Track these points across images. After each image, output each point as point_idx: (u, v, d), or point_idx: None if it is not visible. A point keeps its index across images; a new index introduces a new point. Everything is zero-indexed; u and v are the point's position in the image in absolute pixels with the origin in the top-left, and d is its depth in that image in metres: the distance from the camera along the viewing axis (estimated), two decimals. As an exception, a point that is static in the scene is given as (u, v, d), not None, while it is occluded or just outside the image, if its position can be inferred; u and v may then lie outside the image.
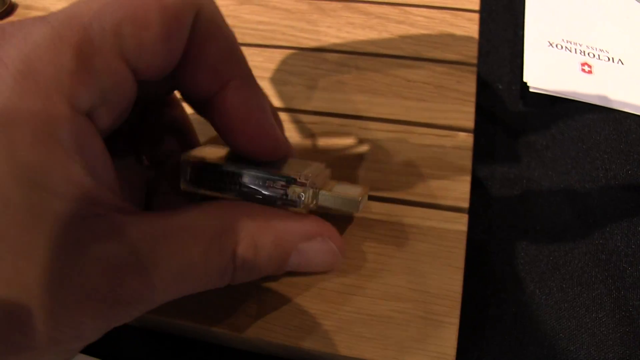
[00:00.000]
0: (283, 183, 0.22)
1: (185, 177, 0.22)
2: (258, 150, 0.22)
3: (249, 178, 0.22)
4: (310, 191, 0.22)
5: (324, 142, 0.29)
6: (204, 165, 0.22)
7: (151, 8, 0.18)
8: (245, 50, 0.33)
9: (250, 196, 0.22)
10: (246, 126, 0.21)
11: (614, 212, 0.29)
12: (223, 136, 0.22)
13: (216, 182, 0.22)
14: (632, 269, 0.28)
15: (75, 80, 0.16)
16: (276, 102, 0.31)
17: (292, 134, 0.30)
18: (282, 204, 0.22)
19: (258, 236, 0.20)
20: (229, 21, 0.34)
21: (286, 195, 0.22)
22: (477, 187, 0.29)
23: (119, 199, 0.18)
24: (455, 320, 0.24)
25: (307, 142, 0.29)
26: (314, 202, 0.22)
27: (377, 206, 0.27)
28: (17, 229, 0.15)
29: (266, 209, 0.21)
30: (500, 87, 0.35)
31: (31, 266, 0.15)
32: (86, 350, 0.21)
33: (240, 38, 0.34)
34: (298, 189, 0.22)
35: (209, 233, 0.19)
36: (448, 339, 0.23)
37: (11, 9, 0.39)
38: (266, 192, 0.22)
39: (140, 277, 0.17)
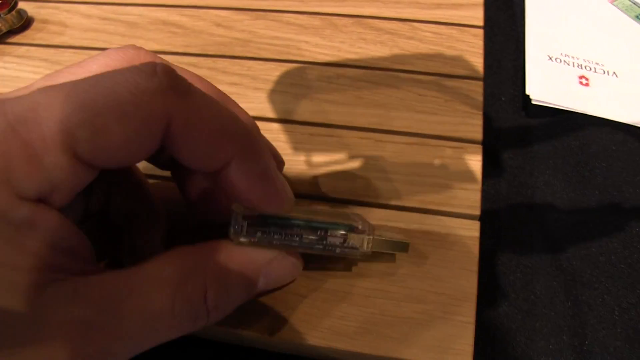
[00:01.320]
0: (343, 232, 0.23)
1: (240, 231, 0.22)
2: (263, 209, 0.22)
3: (310, 229, 0.23)
4: (370, 237, 0.24)
5: (343, 154, 0.31)
6: (262, 218, 0.23)
7: (111, 117, 0.18)
8: (262, 65, 0.35)
9: (311, 246, 0.23)
10: (251, 195, 0.21)
11: (611, 218, 0.32)
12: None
13: (277, 233, 0.23)
14: (630, 269, 0.30)
15: (21, 172, 0.17)
16: (295, 116, 0.33)
17: (311, 146, 0.31)
18: (341, 251, 0.24)
19: (226, 275, 0.21)
20: (244, 36, 0.36)
21: (345, 242, 0.23)
22: (484, 195, 0.31)
23: (81, 262, 0.19)
24: (472, 320, 0.26)
25: (328, 155, 0.31)
26: (369, 246, 0.24)
27: (395, 215, 0.29)
28: None
29: (225, 244, 0.22)
30: (503, 99, 0.37)
31: None
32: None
33: (256, 53, 0.36)
34: (359, 236, 0.24)
35: (172, 282, 0.19)
36: (466, 337, 0.25)
37: (28, 23, 0.41)
38: (328, 241, 0.23)
39: (107, 333, 0.18)
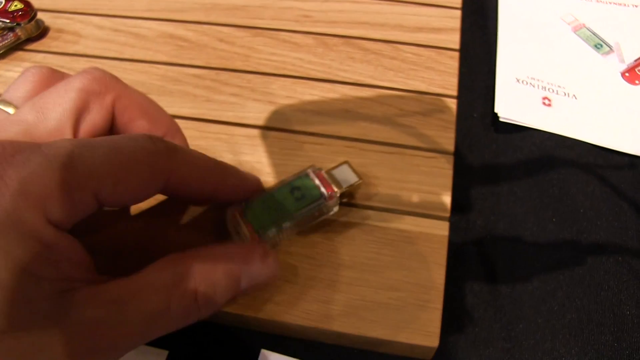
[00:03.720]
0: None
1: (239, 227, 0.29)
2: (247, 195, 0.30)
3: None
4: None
5: (332, 160, 0.34)
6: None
7: (130, 171, 0.23)
8: (260, 78, 0.39)
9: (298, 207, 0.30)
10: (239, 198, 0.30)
11: (566, 221, 0.36)
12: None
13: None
14: (579, 268, 0.34)
15: (56, 202, 0.20)
16: (289, 125, 0.36)
17: (302, 152, 0.35)
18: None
19: (212, 276, 0.24)
20: (245, 51, 0.40)
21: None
22: (455, 199, 0.35)
23: (89, 273, 0.22)
24: (439, 306, 0.29)
25: (317, 161, 0.34)
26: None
27: (376, 215, 0.32)
28: (11, 307, 0.19)
29: (210, 249, 0.26)
30: (475, 115, 0.41)
31: (27, 336, 0.19)
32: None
33: (255, 67, 0.40)
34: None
35: (167, 285, 0.22)
36: (434, 320, 0.29)
37: (45, 32, 0.44)
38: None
39: (115, 330, 0.21)
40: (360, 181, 0.31)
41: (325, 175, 0.31)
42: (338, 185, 0.31)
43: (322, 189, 0.30)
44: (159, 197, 0.33)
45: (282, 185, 0.30)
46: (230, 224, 0.30)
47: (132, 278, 0.23)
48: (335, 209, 0.31)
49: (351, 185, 0.31)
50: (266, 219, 0.29)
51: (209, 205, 0.32)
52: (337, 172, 0.31)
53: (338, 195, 0.30)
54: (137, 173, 0.23)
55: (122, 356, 0.22)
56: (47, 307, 0.20)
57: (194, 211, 0.32)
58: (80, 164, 0.21)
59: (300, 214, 0.29)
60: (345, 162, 0.32)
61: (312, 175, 0.30)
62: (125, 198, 0.24)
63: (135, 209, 0.32)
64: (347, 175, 0.31)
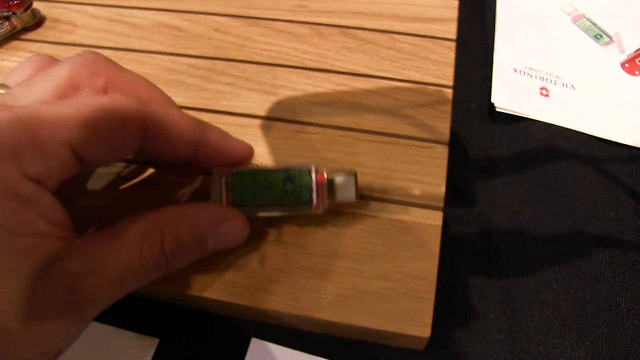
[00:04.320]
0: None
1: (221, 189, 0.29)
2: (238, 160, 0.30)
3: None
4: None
5: (324, 149, 0.34)
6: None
7: (102, 121, 0.23)
8: (255, 68, 0.39)
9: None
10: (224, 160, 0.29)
11: (562, 212, 0.36)
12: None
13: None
14: (575, 259, 0.34)
15: (29, 156, 0.21)
16: (283, 114, 0.36)
17: (296, 141, 0.35)
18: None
19: (178, 229, 0.25)
20: (240, 41, 0.40)
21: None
22: (451, 189, 0.35)
23: (66, 231, 0.22)
24: (432, 296, 0.29)
25: (310, 150, 0.34)
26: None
27: (369, 204, 0.32)
28: None
29: (180, 206, 0.26)
30: (472, 106, 0.41)
31: (5, 291, 0.20)
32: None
33: (250, 57, 0.40)
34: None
35: (138, 236, 0.23)
36: (426, 310, 0.29)
37: (41, 21, 0.44)
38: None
39: (94, 282, 0.22)
40: (357, 202, 0.30)
41: (325, 179, 0.29)
42: (332, 196, 0.30)
43: (314, 195, 0.29)
44: (147, 172, 0.34)
45: (279, 170, 0.29)
46: (213, 184, 0.29)
47: (106, 231, 0.23)
48: (320, 212, 0.30)
49: (345, 203, 0.30)
50: (248, 195, 0.29)
51: (197, 181, 0.33)
52: (339, 181, 0.30)
53: (325, 206, 0.29)
54: (109, 122, 0.23)
55: (102, 309, 0.23)
56: (23, 266, 0.20)
57: (181, 185, 0.33)
58: (50, 116, 0.22)
59: (281, 207, 0.29)
60: (354, 174, 0.30)
61: (312, 174, 0.29)
62: (102, 152, 0.24)
63: (121, 181, 0.32)
64: (346, 190, 0.30)
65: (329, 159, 0.34)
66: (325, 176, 0.29)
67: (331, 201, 0.30)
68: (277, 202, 0.29)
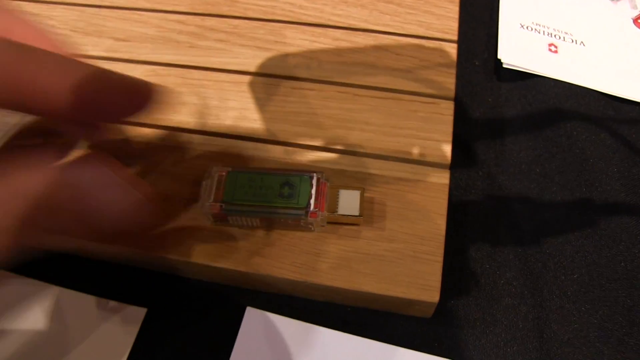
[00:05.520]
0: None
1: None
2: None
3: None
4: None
5: (323, 106, 0.32)
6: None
7: None
8: (248, 24, 0.36)
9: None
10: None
11: (574, 172, 0.34)
12: None
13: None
14: (589, 221, 0.32)
15: None
16: (278, 71, 0.34)
17: (294, 98, 0.33)
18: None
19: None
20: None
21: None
22: (457, 149, 0.33)
23: None
24: (440, 259, 0.27)
25: (306, 107, 0.32)
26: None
27: (371, 162, 0.30)
28: None
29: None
30: (476, 63, 0.39)
31: None
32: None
33: (242, 12, 0.37)
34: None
35: None
36: (434, 273, 0.27)
37: None
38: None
39: None
40: (360, 218, 0.28)
41: (328, 191, 0.27)
42: (332, 208, 0.28)
43: (312, 202, 0.27)
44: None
45: (277, 173, 0.28)
46: (205, 180, 0.27)
47: None
48: (317, 229, 0.28)
49: (347, 216, 0.28)
50: (240, 194, 0.27)
51: (191, 155, 0.30)
52: (343, 194, 0.28)
53: (324, 217, 0.27)
54: None
55: None
56: None
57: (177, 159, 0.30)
58: None
59: (274, 212, 0.27)
60: (360, 190, 0.28)
61: (314, 181, 0.27)
62: None
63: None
64: (350, 204, 0.28)
65: (325, 115, 0.32)
66: (329, 185, 0.28)
67: (331, 212, 0.27)
68: (271, 204, 0.27)
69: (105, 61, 0.35)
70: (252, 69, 0.34)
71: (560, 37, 0.39)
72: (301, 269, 0.27)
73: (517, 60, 0.38)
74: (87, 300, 0.29)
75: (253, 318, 0.29)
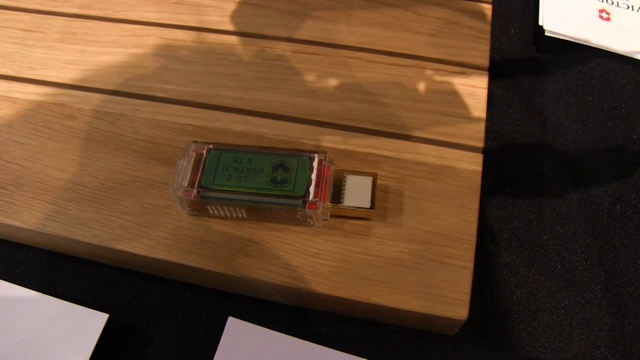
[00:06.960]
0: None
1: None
2: None
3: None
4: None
5: (329, 73, 0.28)
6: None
7: None
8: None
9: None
10: None
11: (628, 159, 0.28)
12: None
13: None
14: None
15: None
16: (277, 31, 0.30)
17: (289, 64, 0.28)
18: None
19: None
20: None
21: None
22: (488, 131, 0.28)
23: None
24: (470, 264, 0.23)
25: (311, 75, 0.28)
26: None
27: (384, 142, 0.25)
28: None
29: None
30: (512, 32, 0.34)
31: None
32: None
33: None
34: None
35: None
36: (462, 283, 0.22)
37: None
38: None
39: None
40: (372, 211, 0.23)
41: (332, 176, 0.23)
42: (337, 198, 0.23)
43: (311, 189, 0.22)
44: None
45: (268, 153, 0.23)
46: (181, 160, 0.23)
47: None
48: (317, 223, 0.23)
49: (355, 209, 0.23)
50: (222, 179, 0.23)
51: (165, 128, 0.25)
52: (351, 181, 0.23)
53: (326, 209, 0.22)
54: None
55: None
56: None
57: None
58: None
59: (264, 201, 0.22)
60: (372, 176, 0.23)
61: (314, 163, 0.23)
62: None
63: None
64: (359, 193, 0.23)
65: (331, 84, 0.27)
66: (333, 167, 0.23)
67: (335, 203, 0.23)
68: (260, 191, 0.22)
69: (77, 19, 0.31)
70: (250, 30, 0.30)
71: (613, 3, 0.35)
72: (296, 273, 0.23)
73: (561, 28, 0.33)
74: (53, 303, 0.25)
75: (235, 330, 0.24)
